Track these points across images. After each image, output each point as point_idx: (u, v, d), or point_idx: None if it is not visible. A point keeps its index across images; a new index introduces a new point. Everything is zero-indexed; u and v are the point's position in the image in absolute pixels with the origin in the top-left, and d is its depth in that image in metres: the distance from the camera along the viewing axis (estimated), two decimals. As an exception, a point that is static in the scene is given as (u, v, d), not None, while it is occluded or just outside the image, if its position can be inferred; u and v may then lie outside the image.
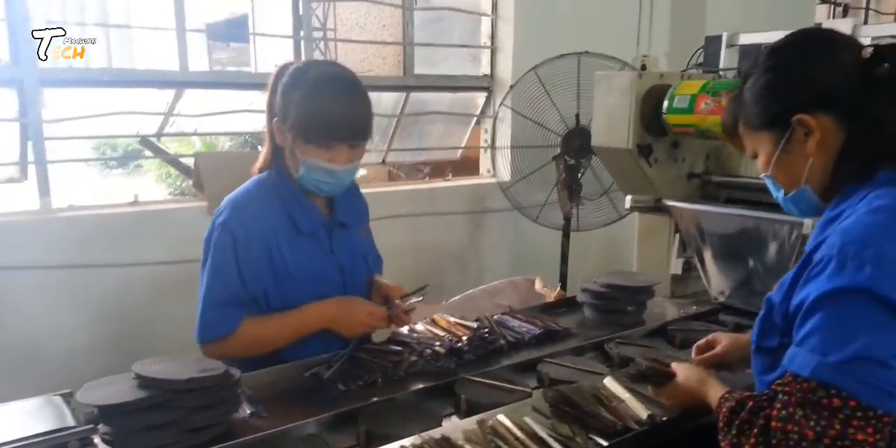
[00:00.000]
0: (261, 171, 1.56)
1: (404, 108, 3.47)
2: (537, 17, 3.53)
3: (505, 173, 3.62)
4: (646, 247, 2.13)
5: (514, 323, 1.68)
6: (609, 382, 1.32)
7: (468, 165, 4.07)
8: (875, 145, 1.00)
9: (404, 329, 1.57)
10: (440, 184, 3.61)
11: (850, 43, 1.04)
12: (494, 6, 3.59)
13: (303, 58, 3.12)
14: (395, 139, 3.54)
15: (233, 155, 4.38)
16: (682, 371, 1.24)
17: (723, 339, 1.38)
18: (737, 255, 1.81)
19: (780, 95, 1.04)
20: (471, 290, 1.99)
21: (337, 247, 1.55)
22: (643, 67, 2.59)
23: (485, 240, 3.62)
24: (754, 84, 1.07)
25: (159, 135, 2.96)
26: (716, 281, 1.85)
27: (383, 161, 3.58)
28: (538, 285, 1.94)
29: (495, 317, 1.71)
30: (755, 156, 1.11)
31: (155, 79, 2.76)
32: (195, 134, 3.45)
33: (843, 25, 1.71)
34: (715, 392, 1.12)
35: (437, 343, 1.49)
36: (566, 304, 1.86)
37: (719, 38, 2.08)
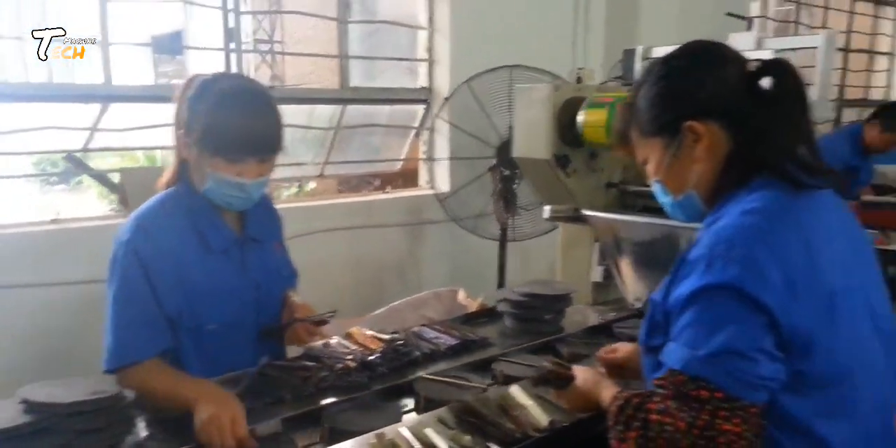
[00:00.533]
0: (168, 186, 1.53)
1: (341, 120, 3.46)
2: (473, 30, 3.58)
3: (444, 185, 3.65)
4: (568, 255, 2.16)
5: (432, 334, 1.68)
6: (514, 390, 1.33)
7: (415, 177, 4.09)
8: (757, 155, 1.05)
9: (318, 344, 1.56)
10: (379, 196, 3.61)
11: (737, 56, 1.10)
12: (431, 19, 3.63)
13: (234, 71, 3.09)
14: (334, 152, 3.53)
15: (160, 170, 4.28)
16: (580, 374, 1.26)
17: (626, 348, 1.41)
18: (651, 262, 1.85)
19: (672, 103, 1.09)
20: (395, 303, 1.99)
21: (250, 263, 1.53)
22: (578, 80, 2.65)
23: (424, 251, 3.63)
24: (647, 92, 1.11)
25: (85, 150, 2.89)
26: (632, 287, 1.89)
27: (321, 174, 3.56)
28: (460, 296, 1.96)
29: (413, 329, 1.71)
30: (646, 162, 1.15)
31: (77, 93, 2.70)
32: (117, 149, 3.37)
33: (748, 38, 1.78)
34: (608, 393, 1.14)
35: (350, 357, 1.48)
36: (488, 315, 1.87)
37: (634, 51, 2.14)
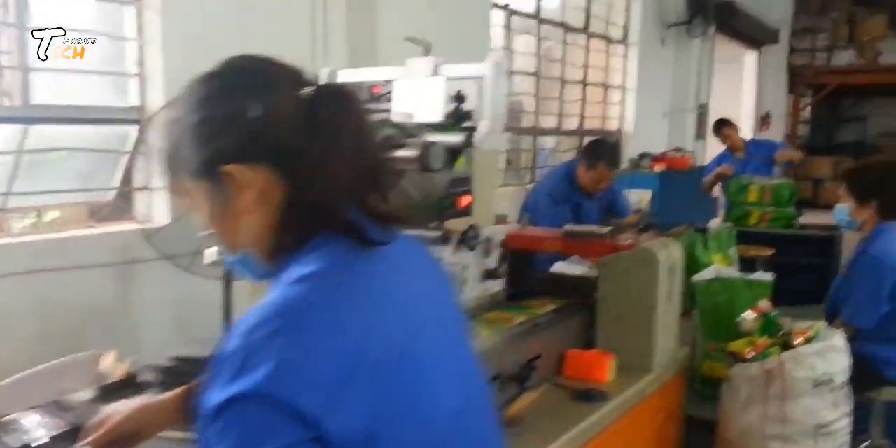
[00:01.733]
0: None
1: (23, 143, 2.90)
2: (191, 42, 3.20)
3: (164, 216, 3.22)
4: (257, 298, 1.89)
5: (30, 422, 1.31)
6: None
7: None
8: (314, 204, 0.85)
9: None
10: (77, 233, 3.09)
11: (293, 80, 0.90)
12: (140, 29, 3.20)
13: None
14: (26, 180, 2.95)
15: None
16: None
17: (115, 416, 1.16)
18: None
19: (207, 140, 0.86)
20: (21, 374, 1.58)
21: None
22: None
23: (138, 296, 3.14)
24: (181, 123, 0.88)
25: None
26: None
27: (2, 208, 2.95)
28: (105, 362, 1.60)
29: (8, 416, 1.33)
30: (195, 208, 0.92)
31: None
32: None
33: (426, 63, 1.66)
34: None
35: None
36: (133, 385, 1.54)
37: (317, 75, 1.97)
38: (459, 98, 1.60)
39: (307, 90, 0.87)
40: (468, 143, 1.58)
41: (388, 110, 1.73)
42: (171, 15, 3.16)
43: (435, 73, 1.67)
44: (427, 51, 1.73)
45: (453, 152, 1.61)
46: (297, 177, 0.85)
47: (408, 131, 1.48)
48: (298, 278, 0.80)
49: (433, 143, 1.39)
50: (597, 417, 1.95)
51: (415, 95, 1.64)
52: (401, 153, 1.39)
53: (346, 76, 1.87)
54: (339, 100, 0.88)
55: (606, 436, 1.99)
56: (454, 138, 1.57)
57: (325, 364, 0.73)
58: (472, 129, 1.59)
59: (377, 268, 0.85)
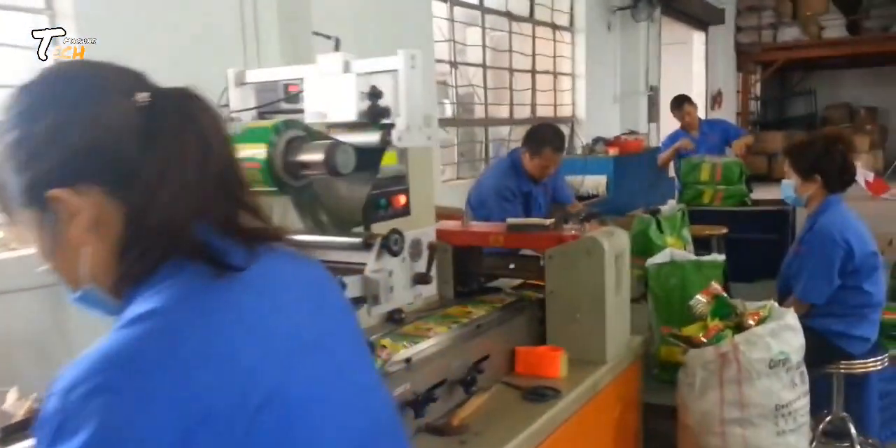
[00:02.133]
0: None
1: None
2: (110, 50, 3.04)
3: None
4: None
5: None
6: None
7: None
8: (153, 227, 0.75)
9: None
10: (4, 255, 2.93)
11: (128, 85, 0.79)
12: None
13: None
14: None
15: None
16: None
17: None
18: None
19: (28, 162, 0.75)
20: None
21: None
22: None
23: (74, 319, 3.00)
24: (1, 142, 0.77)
25: None
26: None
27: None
28: (10, 398, 1.48)
29: None
30: (30, 241, 0.81)
31: None
32: None
33: (336, 60, 1.55)
34: None
35: None
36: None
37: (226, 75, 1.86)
38: (374, 95, 1.50)
39: (142, 97, 0.77)
40: (386, 142, 1.49)
41: (303, 110, 1.63)
42: (87, 22, 3.00)
43: (346, 69, 1.57)
44: (337, 46, 1.63)
45: (371, 152, 1.52)
46: (134, 197, 0.74)
47: (316, 133, 1.39)
48: (134, 318, 0.69)
49: (339, 145, 1.30)
50: (548, 416, 1.88)
51: (326, 94, 1.54)
52: (305, 157, 1.30)
53: (255, 75, 1.76)
54: (181, 105, 0.78)
55: (560, 434, 1.93)
56: (368, 138, 1.47)
57: (161, 425, 0.62)
58: (389, 127, 1.49)
59: (238, 296, 0.74)
